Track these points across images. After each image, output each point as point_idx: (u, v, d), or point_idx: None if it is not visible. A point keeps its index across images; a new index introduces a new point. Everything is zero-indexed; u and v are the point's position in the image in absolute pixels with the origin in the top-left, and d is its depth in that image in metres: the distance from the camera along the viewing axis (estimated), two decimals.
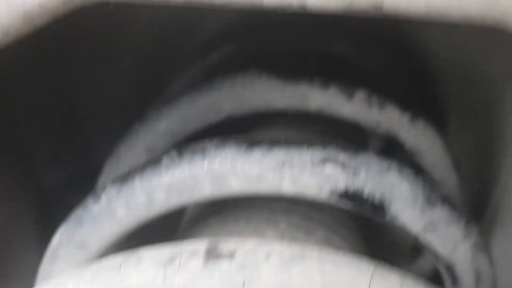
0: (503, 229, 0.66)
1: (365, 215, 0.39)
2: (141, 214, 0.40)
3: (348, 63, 0.56)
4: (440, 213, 0.39)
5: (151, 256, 0.29)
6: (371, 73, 0.57)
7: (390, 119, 0.49)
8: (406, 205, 0.38)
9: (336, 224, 0.51)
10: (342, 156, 0.38)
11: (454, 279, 0.43)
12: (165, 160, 0.40)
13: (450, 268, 0.42)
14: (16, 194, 0.64)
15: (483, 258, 0.42)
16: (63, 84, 0.60)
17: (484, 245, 0.42)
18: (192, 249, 0.29)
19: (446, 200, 0.40)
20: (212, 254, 0.28)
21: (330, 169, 0.38)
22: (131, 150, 0.52)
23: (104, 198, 0.40)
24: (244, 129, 0.53)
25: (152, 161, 0.40)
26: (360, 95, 0.49)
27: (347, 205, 0.39)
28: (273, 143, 0.38)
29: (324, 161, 0.38)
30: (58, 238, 0.43)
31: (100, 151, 0.57)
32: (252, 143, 0.38)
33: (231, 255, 0.28)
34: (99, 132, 0.64)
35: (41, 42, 0.36)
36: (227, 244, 0.29)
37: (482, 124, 0.68)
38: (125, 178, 0.41)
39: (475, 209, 0.70)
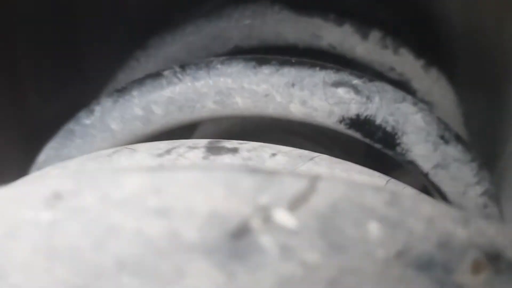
0: (506, 201, 0.64)
1: (376, 146, 0.37)
2: (137, 129, 0.37)
3: (363, 6, 0.54)
4: (454, 152, 0.37)
5: (146, 148, 0.27)
6: (385, 19, 0.55)
7: (404, 63, 0.47)
8: (419, 138, 0.36)
9: None
10: (356, 81, 0.36)
11: None
12: (166, 74, 0.37)
13: None
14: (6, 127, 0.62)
15: (494, 207, 0.40)
16: (64, 8, 0.57)
17: (496, 195, 0.40)
18: (192, 143, 0.26)
19: (460, 139, 0.38)
20: (213, 148, 0.26)
21: (342, 92, 0.35)
22: (130, 77, 0.49)
23: (98, 110, 0.38)
24: None
25: (153, 75, 0.38)
26: (375, 35, 0.46)
27: (357, 132, 0.36)
28: (284, 62, 0.36)
29: (337, 84, 0.35)
30: (45, 153, 0.40)
31: (98, 87, 0.54)
32: (261, 61, 0.36)
33: (234, 151, 0.26)
34: (99, 68, 0.61)
35: None
36: (231, 143, 0.27)
37: (490, 95, 0.66)
38: (122, 90, 0.38)
39: None
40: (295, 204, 0.15)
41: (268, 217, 0.15)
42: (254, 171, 0.16)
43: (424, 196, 0.24)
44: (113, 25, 0.60)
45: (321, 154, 0.27)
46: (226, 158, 0.25)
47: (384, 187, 0.15)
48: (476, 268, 0.15)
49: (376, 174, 0.27)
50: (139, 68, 0.49)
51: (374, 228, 0.15)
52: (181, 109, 0.36)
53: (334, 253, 0.15)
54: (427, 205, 0.15)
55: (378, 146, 0.37)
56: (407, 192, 0.24)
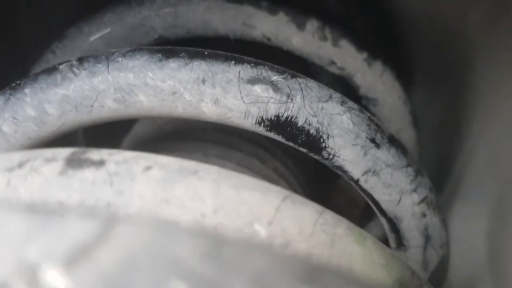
0: (464, 200, 0.61)
1: (300, 149, 0.33)
2: (30, 131, 0.33)
3: None
4: (386, 156, 0.33)
5: None
6: (327, 6, 0.51)
7: (345, 56, 0.43)
8: (346, 141, 0.32)
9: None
10: (276, 77, 0.32)
11: (399, 237, 0.37)
12: (62, 68, 0.32)
13: (394, 224, 0.36)
14: None
15: (434, 217, 0.37)
16: None
17: (436, 202, 0.37)
18: (50, 155, 0.22)
19: (394, 142, 0.34)
20: (74, 161, 0.21)
21: (260, 90, 0.31)
22: None
23: None
24: None
25: (47, 69, 0.33)
26: (312, 24, 0.42)
27: (279, 136, 0.32)
28: (195, 54, 0.32)
29: (254, 80, 0.31)
30: None
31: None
32: (168, 53, 0.32)
33: (99, 164, 0.21)
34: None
35: None
36: (98, 153, 0.22)
37: (451, 87, 0.63)
38: (15, 87, 0.33)
39: (436, 181, 0.65)
40: (74, 258, 0.11)
41: (34, 277, 0.11)
42: (30, 209, 0.11)
43: (261, 242, 0.20)
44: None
45: (210, 166, 0.23)
46: (88, 173, 0.21)
47: (204, 232, 0.11)
48: None
49: (274, 189, 0.23)
50: (54, 61, 0.44)
51: None
52: (77, 109, 0.32)
53: None
54: (258, 257, 0.11)
55: (303, 150, 0.33)
56: (274, 229, 0.20)
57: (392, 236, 0.38)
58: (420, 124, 0.53)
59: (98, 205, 0.19)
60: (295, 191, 0.46)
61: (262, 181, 0.23)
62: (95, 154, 0.22)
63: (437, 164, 0.66)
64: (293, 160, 0.48)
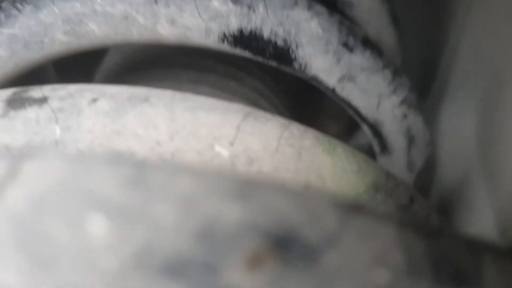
0: (452, 97, 0.60)
1: (271, 62, 0.31)
2: None
3: None
4: (361, 60, 0.32)
5: None
6: None
7: None
8: (317, 49, 0.30)
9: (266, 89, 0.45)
10: None
11: (382, 142, 0.37)
12: (4, 6, 0.30)
13: (376, 129, 0.36)
14: None
15: (416, 117, 0.36)
16: None
17: (416, 102, 0.36)
18: None
19: (368, 45, 0.32)
20: (15, 101, 0.20)
21: (217, 4, 0.29)
22: None
23: None
24: None
25: None
26: None
27: (245, 51, 0.31)
28: None
29: None
30: None
31: None
32: None
33: (42, 101, 0.20)
34: None
35: None
36: (40, 90, 0.21)
37: None
38: None
39: (422, 85, 0.64)
40: None
41: None
42: None
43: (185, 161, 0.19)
44: None
45: (162, 91, 0.21)
46: (31, 112, 0.19)
47: (125, 161, 0.10)
48: (253, 261, 0.10)
49: (234, 107, 0.21)
50: None
51: (99, 227, 0.10)
52: (27, 47, 0.30)
53: (39, 270, 0.10)
54: (185, 178, 0.10)
55: (273, 63, 0.32)
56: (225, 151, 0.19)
57: (376, 141, 0.37)
58: (403, 24, 0.50)
59: (45, 145, 0.18)
60: (278, 110, 0.45)
61: (221, 101, 0.22)
62: (36, 91, 0.20)
63: (423, 64, 0.64)
64: (274, 79, 0.47)
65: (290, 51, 0.30)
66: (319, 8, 0.31)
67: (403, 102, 0.34)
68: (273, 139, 0.21)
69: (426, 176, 0.40)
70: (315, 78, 0.32)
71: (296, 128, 0.22)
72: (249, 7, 0.29)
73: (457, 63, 0.58)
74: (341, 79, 0.32)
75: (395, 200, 0.23)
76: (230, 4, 0.29)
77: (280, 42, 0.30)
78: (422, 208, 0.25)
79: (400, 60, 0.50)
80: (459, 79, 0.58)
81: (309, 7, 0.30)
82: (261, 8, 0.29)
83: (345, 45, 0.31)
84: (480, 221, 0.51)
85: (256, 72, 0.46)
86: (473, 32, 0.56)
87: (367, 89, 0.33)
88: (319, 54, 0.31)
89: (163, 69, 0.42)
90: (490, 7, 0.48)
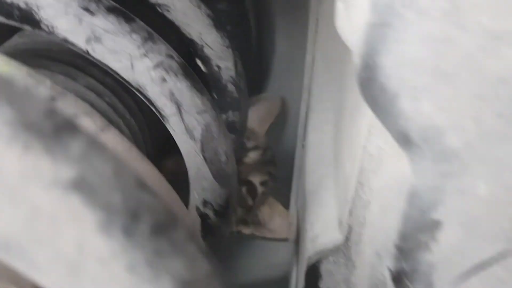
0: (313, 114, 0.63)
1: (22, 26, 0.36)
2: None
3: None
4: (104, 23, 0.37)
5: None
6: None
7: None
8: (57, 11, 0.36)
9: None
10: None
11: (155, 107, 0.40)
12: None
13: (143, 94, 0.39)
14: None
15: (178, 82, 0.39)
16: None
17: (179, 69, 0.39)
18: None
19: (115, 10, 0.37)
20: None
21: None
22: None
23: None
24: None
25: None
26: None
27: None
28: None
29: None
30: None
31: None
32: None
33: None
34: None
35: None
36: None
37: None
38: None
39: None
40: None
41: None
42: None
43: None
44: None
45: None
46: None
47: None
48: None
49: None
50: None
51: None
52: None
53: None
54: None
55: (26, 27, 0.37)
56: None
57: (152, 107, 0.40)
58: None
59: None
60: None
61: None
62: None
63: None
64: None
65: (34, 13, 0.36)
66: None
67: (158, 65, 0.38)
68: None
69: (212, 147, 0.42)
70: (66, 40, 0.37)
71: None
72: None
73: (314, 75, 0.61)
74: (89, 40, 0.37)
75: None
76: None
77: (22, 5, 0.35)
78: None
79: (235, 62, 0.54)
80: (318, 92, 0.61)
81: None
82: None
83: (86, 9, 0.36)
84: (328, 215, 0.53)
85: (93, 70, 0.50)
86: (323, 43, 0.60)
87: (116, 50, 0.37)
88: (61, 16, 0.36)
89: None
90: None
